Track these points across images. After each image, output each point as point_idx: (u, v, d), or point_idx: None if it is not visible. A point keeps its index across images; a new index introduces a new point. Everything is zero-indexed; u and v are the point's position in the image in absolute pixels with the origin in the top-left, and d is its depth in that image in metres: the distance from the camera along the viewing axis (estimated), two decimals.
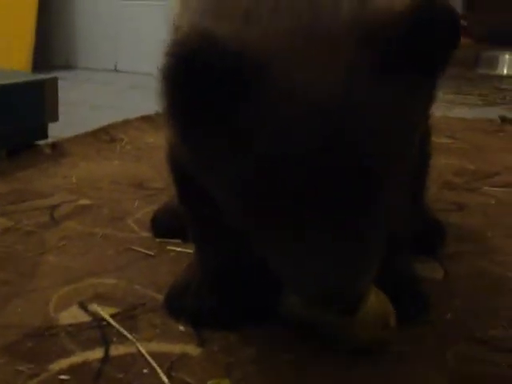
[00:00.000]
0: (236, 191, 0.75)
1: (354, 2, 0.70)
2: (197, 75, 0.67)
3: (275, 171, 0.70)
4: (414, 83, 0.73)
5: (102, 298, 1.03)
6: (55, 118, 1.96)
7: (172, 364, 0.86)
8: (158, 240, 1.26)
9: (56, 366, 0.86)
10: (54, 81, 1.96)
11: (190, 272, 1.03)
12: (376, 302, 0.88)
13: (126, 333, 0.93)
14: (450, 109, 2.63)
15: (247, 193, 0.74)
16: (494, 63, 3.74)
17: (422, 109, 0.80)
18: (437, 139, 0.82)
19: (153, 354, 0.88)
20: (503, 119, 2.41)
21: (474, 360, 0.89)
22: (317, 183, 0.70)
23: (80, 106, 2.58)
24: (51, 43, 3.61)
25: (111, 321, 0.96)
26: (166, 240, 1.25)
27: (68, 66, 3.56)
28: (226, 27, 0.69)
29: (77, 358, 0.88)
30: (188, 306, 0.97)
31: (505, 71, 3.69)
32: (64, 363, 0.86)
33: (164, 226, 1.28)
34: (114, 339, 0.92)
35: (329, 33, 0.69)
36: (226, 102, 0.69)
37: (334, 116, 0.69)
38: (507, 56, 3.71)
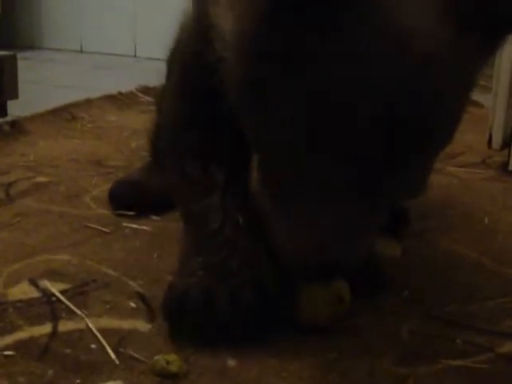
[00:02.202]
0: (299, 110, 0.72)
1: None
2: None
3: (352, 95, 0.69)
4: (485, 44, 0.73)
5: (53, 274, 1.01)
6: (15, 96, 1.93)
7: (121, 340, 0.84)
8: (114, 217, 1.24)
9: (1, 341, 0.83)
10: (13, 58, 1.92)
11: (188, 268, 0.87)
12: None
13: (74, 308, 0.91)
14: None
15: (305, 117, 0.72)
16: None
17: (478, 73, 0.78)
18: None
19: (102, 330, 0.86)
20: None
21: (429, 336, 0.88)
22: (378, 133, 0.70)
23: (42, 86, 2.54)
24: (16, 25, 3.55)
25: (60, 296, 0.94)
26: (123, 213, 1.23)
27: (33, 47, 3.50)
28: None
29: (24, 334, 0.85)
30: (190, 316, 0.83)
31: None
32: (10, 339, 0.84)
33: (122, 197, 1.26)
34: (63, 315, 0.90)
35: None
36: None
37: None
38: None
